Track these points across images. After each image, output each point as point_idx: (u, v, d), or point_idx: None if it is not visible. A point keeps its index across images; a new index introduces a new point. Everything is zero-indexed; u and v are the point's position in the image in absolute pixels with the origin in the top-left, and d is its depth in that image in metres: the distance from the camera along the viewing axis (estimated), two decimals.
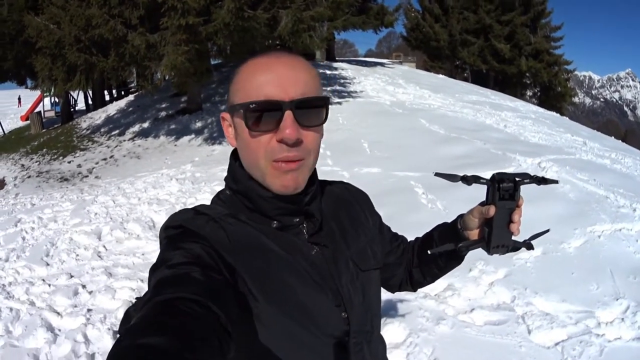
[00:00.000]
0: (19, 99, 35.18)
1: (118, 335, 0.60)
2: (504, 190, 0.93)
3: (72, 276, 4.37)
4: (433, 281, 1.19)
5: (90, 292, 4.01)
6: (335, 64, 21.91)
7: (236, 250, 0.81)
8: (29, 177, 12.14)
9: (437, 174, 1.02)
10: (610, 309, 3.16)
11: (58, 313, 3.66)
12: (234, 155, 0.92)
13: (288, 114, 0.78)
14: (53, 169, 12.44)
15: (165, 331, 0.57)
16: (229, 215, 0.87)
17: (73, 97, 23.53)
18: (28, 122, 21.75)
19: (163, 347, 0.54)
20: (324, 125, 0.86)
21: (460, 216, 1.07)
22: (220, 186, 1.11)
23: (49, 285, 4.17)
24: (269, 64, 0.82)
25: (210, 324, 0.63)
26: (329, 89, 15.29)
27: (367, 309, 0.96)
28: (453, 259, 1.11)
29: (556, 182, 1.01)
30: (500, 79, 32.04)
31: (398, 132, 9.44)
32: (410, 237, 1.25)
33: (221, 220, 0.85)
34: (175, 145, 11.85)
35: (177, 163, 9.67)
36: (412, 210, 5.19)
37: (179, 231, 0.82)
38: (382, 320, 3.13)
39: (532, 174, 0.96)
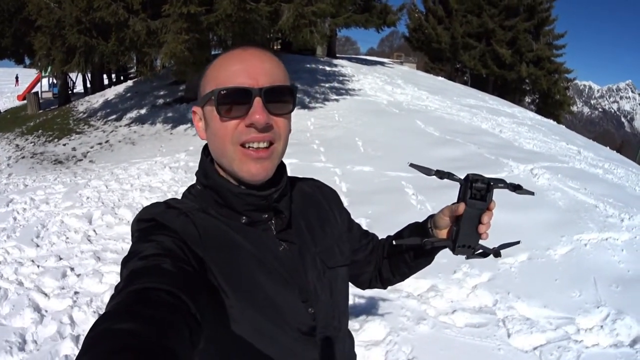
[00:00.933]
0: (17, 77, 35.02)
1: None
2: (476, 189, 0.93)
3: (61, 258, 4.38)
4: (402, 279, 1.21)
5: (78, 275, 4.02)
6: (336, 61, 21.87)
7: (206, 245, 0.83)
8: (23, 157, 12.10)
9: (411, 165, 1.02)
10: (591, 316, 3.21)
11: (45, 294, 3.67)
12: (205, 151, 0.95)
13: (257, 101, 0.82)
14: (47, 151, 12.39)
15: (137, 318, 0.60)
16: (199, 209, 0.89)
17: (71, 80, 23.43)
18: (25, 101, 21.56)
19: (135, 331, 0.57)
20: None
21: (431, 216, 1.08)
22: None
23: (38, 266, 4.18)
24: (239, 56, 0.86)
25: (181, 313, 0.65)
26: (327, 85, 15.26)
27: (334, 305, 0.98)
28: (420, 257, 1.12)
29: (532, 193, 1.01)
30: (499, 84, 31.99)
31: (393, 132, 9.45)
32: None
33: (191, 214, 0.87)
34: (171, 133, 11.81)
35: (172, 151, 9.63)
36: (401, 210, 5.22)
37: (151, 224, 0.84)
38: (363, 317, 3.17)
39: (508, 182, 0.96)
